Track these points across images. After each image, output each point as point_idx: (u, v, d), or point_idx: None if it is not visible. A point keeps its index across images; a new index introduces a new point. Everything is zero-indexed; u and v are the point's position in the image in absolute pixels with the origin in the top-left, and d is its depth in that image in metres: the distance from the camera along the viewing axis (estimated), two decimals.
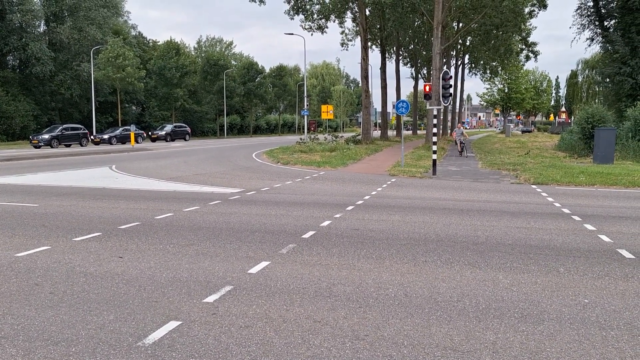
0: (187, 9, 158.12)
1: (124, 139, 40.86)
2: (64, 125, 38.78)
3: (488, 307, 4.50)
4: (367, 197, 11.47)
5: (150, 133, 48.74)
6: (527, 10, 36.32)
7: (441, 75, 17.30)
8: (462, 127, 28.75)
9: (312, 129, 51.25)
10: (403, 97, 63.44)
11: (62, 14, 51.38)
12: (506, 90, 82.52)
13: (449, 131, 56.83)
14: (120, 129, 43.01)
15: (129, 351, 3.54)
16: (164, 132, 48.02)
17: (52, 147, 34.77)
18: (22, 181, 14.32)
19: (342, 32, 60.75)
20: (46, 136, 35.61)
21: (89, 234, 7.32)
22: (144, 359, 3.43)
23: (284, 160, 21.97)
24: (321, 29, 38.99)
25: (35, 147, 34.45)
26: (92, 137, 40.72)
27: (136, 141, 38.44)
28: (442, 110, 47.06)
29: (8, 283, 5.02)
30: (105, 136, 41.17)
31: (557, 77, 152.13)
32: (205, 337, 3.80)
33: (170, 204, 10.17)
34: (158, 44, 64.88)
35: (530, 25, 44.80)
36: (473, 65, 58.76)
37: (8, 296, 4.65)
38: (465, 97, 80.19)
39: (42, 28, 51.97)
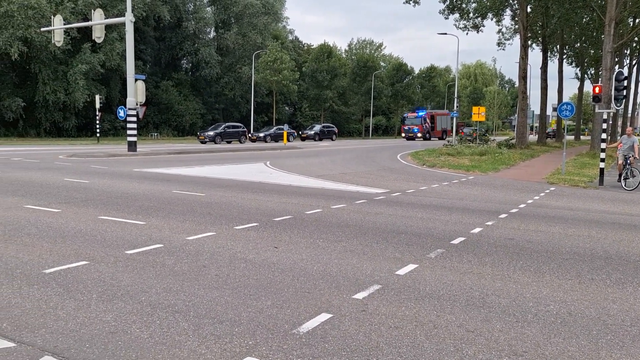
0: (343, 13, 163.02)
1: (277, 138, 43.50)
2: (227, 124, 42.44)
3: None
4: (522, 206, 10.73)
5: (300, 132, 51.18)
6: None
7: (614, 75, 15.50)
8: (634, 135, 16.13)
9: (461, 131, 49.44)
10: (565, 99, 58.25)
11: (229, 20, 56.31)
12: None
13: (618, 137, 50.82)
14: (274, 128, 45.86)
15: (285, 337, 3.73)
16: (312, 132, 50.07)
17: (215, 143, 38.23)
18: (191, 172, 15.95)
19: (499, 31, 57.56)
20: (211, 133, 39.27)
21: (248, 223, 7.88)
22: (299, 347, 3.58)
23: (429, 163, 21.52)
24: (477, 27, 37.43)
25: (202, 142, 38.18)
26: (249, 135, 44.02)
27: (288, 140, 40.65)
28: (611, 114, 42.29)
29: (181, 263, 5.61)
30: (261, 134, 44.20)
31: None
32: (356, 332, 3.85)
33: (319, 201, 10.54)
34: (312, 47, 67.85)
35: None
36: None
37: (181, 275, 5.19)
38: (639, 100, 70.75)
39: (212, 34, 57.47)
